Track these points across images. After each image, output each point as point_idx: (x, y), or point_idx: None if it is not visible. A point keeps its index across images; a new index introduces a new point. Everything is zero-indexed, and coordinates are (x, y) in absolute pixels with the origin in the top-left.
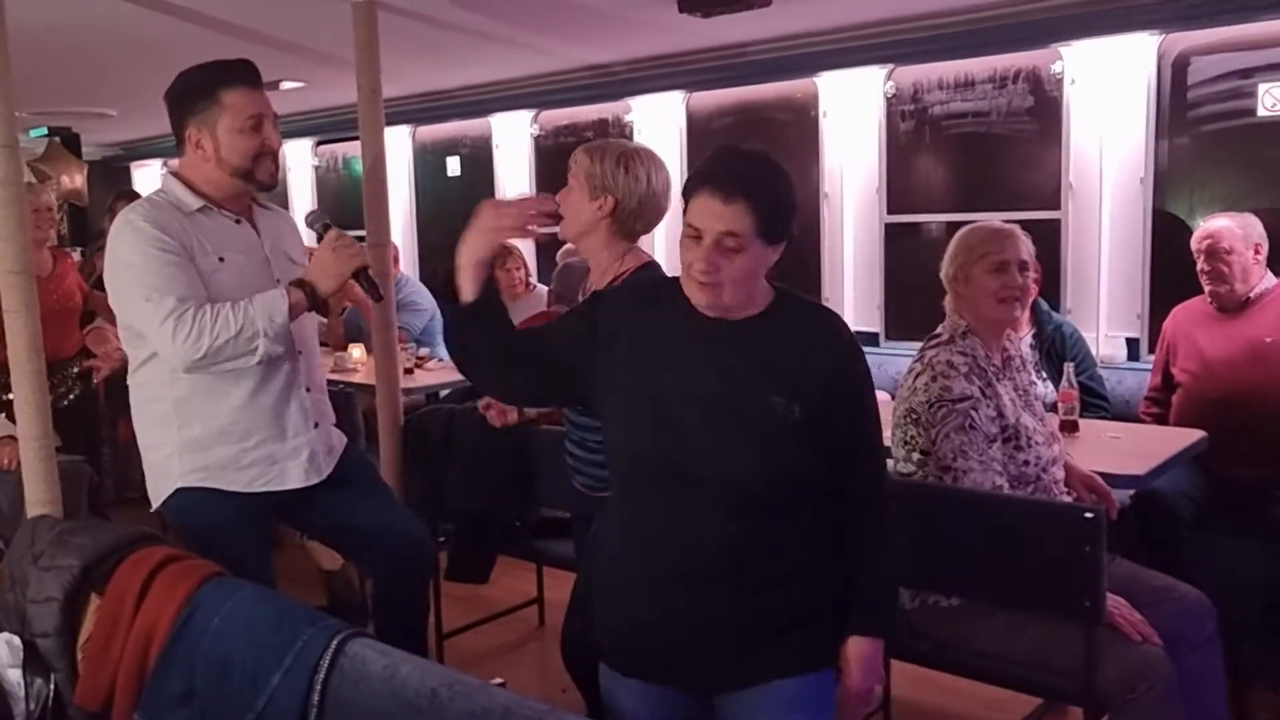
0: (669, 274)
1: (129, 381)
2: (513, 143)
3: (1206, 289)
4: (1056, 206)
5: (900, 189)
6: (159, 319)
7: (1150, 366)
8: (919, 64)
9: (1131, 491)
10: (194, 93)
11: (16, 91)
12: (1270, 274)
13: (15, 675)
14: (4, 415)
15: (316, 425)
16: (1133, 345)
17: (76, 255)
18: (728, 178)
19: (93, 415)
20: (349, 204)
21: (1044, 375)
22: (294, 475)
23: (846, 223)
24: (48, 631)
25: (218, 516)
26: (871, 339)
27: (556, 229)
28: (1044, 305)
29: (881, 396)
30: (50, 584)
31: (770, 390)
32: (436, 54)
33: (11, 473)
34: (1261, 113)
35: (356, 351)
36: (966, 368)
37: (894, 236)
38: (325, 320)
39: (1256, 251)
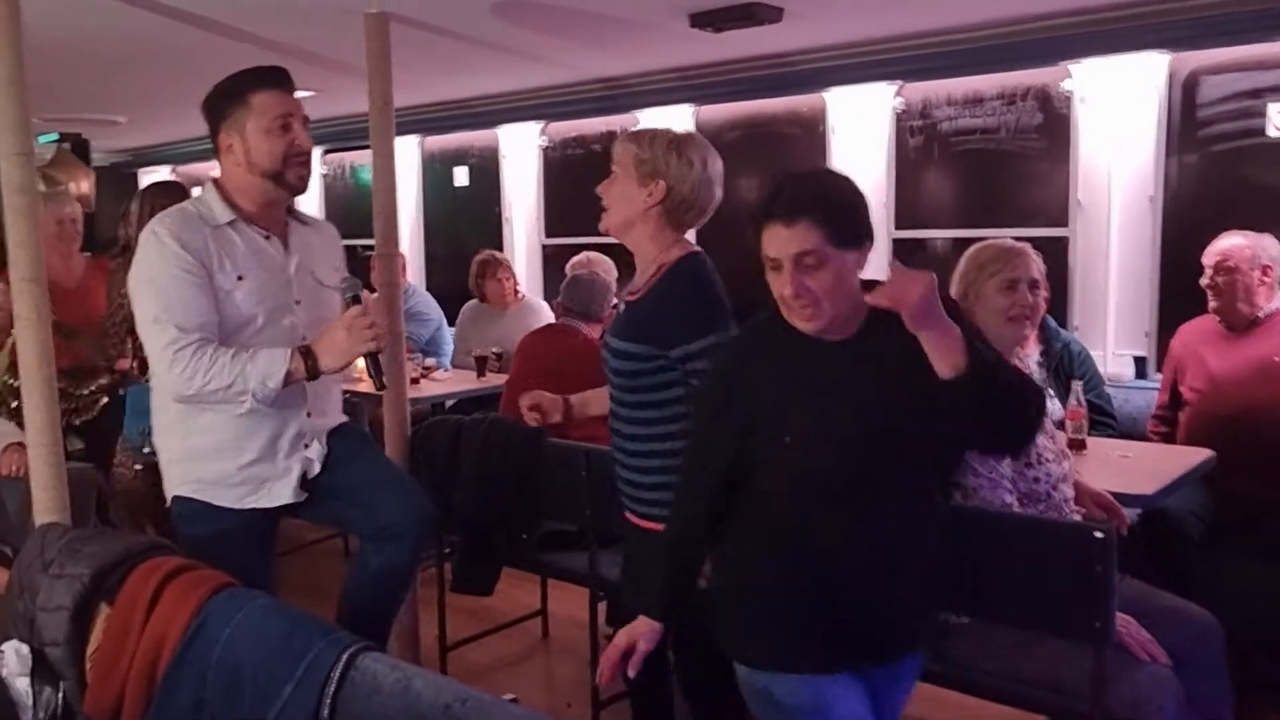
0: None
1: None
2: (520, 154)
3: (1210, 305)
4: (1064, 224)
5: (908, 204)
6: (161, 344)
7: (1158, 385)
8: (928, 80)
9: (1139, 510)
10: (224, 97)
11: (31, 98)
12: None
13: (24, 684)
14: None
15: (308, 445)
16: (1140, 363)
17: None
18: (784, 203)
19: (119, 424)
20: (356, 213)
21: (1051, 393)
22: (282, 494)
23: None
24: (57, 640)
25: (212, 528)
26: None
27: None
28: (1052, 323)
29: None
30: (60, 592)
31: (900, 395)
32: (446, 65)
33: (19, 480)
34: (1271, 132)
35: (362, 361)
36: None
37: (901, 252)
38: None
39: (1265, 273)
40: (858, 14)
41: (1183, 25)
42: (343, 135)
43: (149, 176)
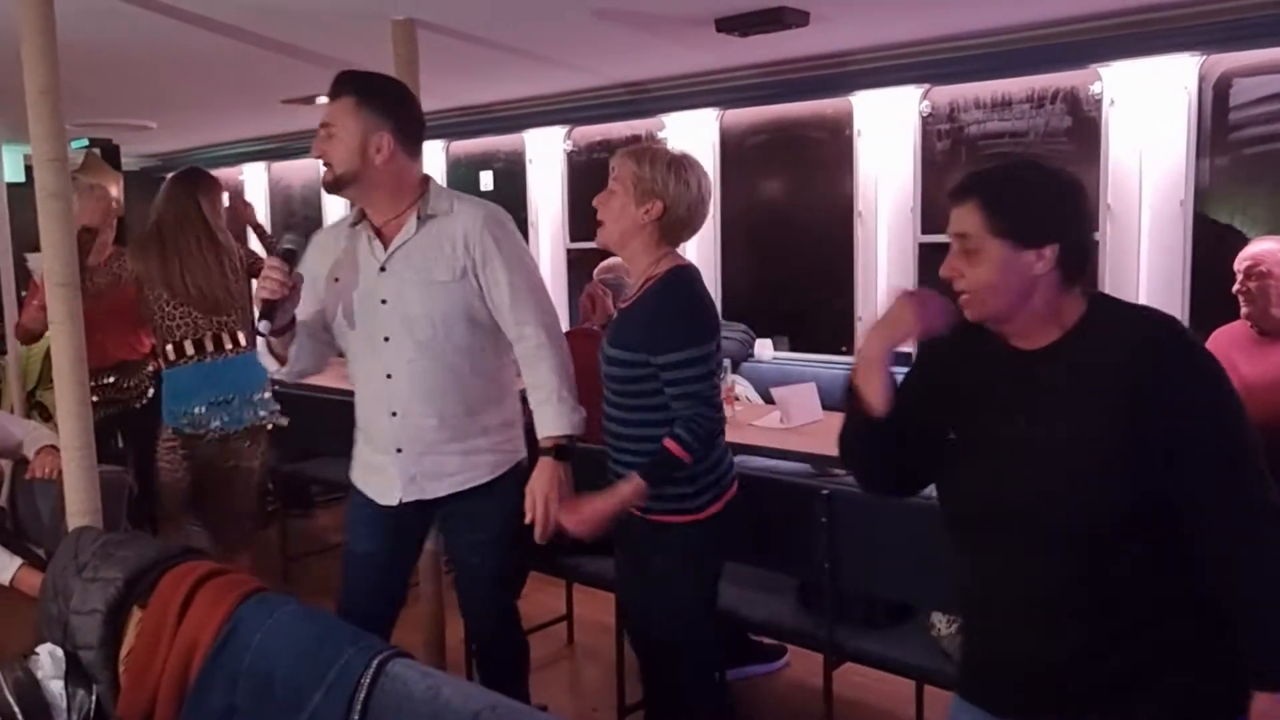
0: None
1: None
2: (546, 158)
3: (1242, 311)
4: (1094, 228)
5: (935, 208)
6: None
7: None
8: (955, 83)
9: None
10: None
11: (63, 104)
12: None
13: (58, 686)
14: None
15: (400, 450)
16: None
17: None
18: (960, 183)
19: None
20: None
21: None
22: (382, 490)
23: (880, 242)
24: (91, 643)
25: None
26: (905, 358)
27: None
28: None
29: None
30: (94, 596)
31: (1072, 420)
32: (471, 70)
33: (53, 482)
34: None
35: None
36: None
37: (927, 257)
38: None
39: None
40: (885, 17)
41: (1213, 27)
42: None
43: None
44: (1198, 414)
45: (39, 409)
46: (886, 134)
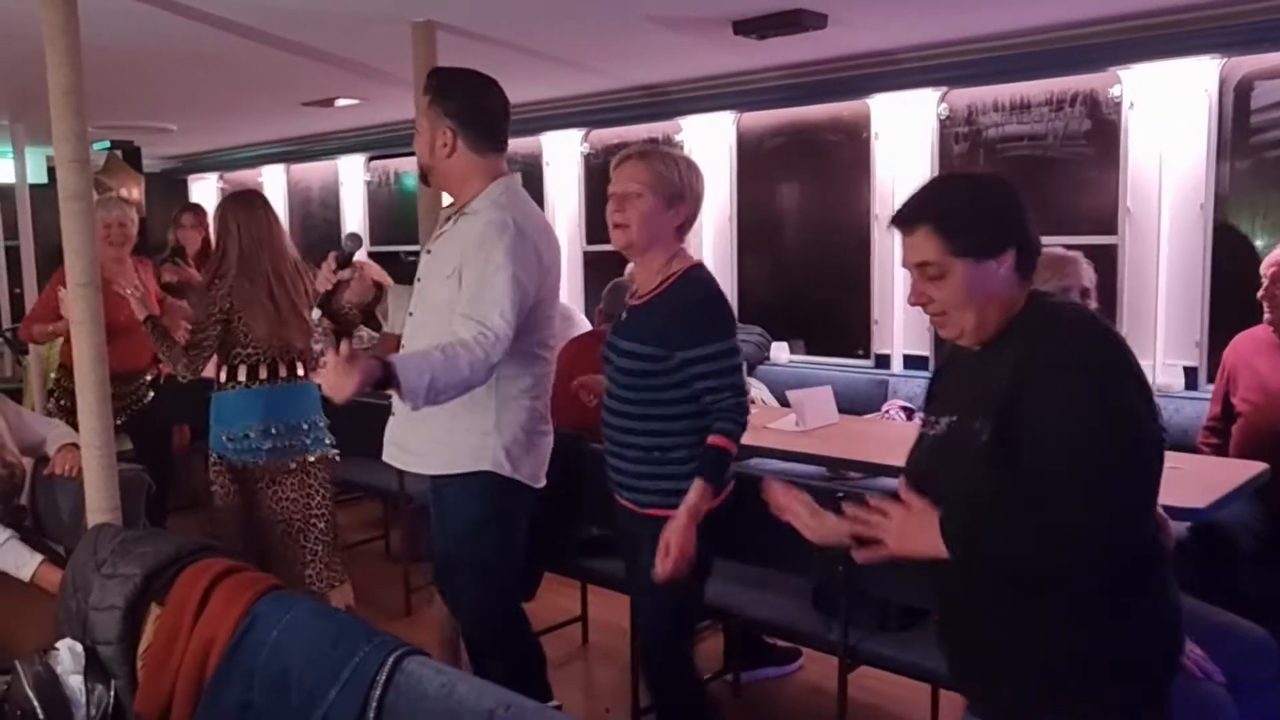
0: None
1: None
2: (563, 161)
3: (1265, 316)
4: (1113, 231)
5: None
6: None
7: (1209, 396)
8: (974, 86)
9: (1190, 524)
10: None
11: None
12: None
13: (77, 681)
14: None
15: (393, 415)
16: (1190, 374)
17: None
18: (904, 210)
19: (165, 422)
20: (399, 219)
21: None
22: None
23: (897, 245)
24: (109, 639)
25: None
26: (921, 362)
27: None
28: None
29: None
30: (112, 592)
31: (969, 414)
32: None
33: (73, 480)
34: None
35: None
36: None
37: None
38: (376, 335)
39: None
40: (903, 20)
41: (1235, 29)
42: (387, 142)
43: (198, 184)
44: (1039, 400)
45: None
46: (904, 137)
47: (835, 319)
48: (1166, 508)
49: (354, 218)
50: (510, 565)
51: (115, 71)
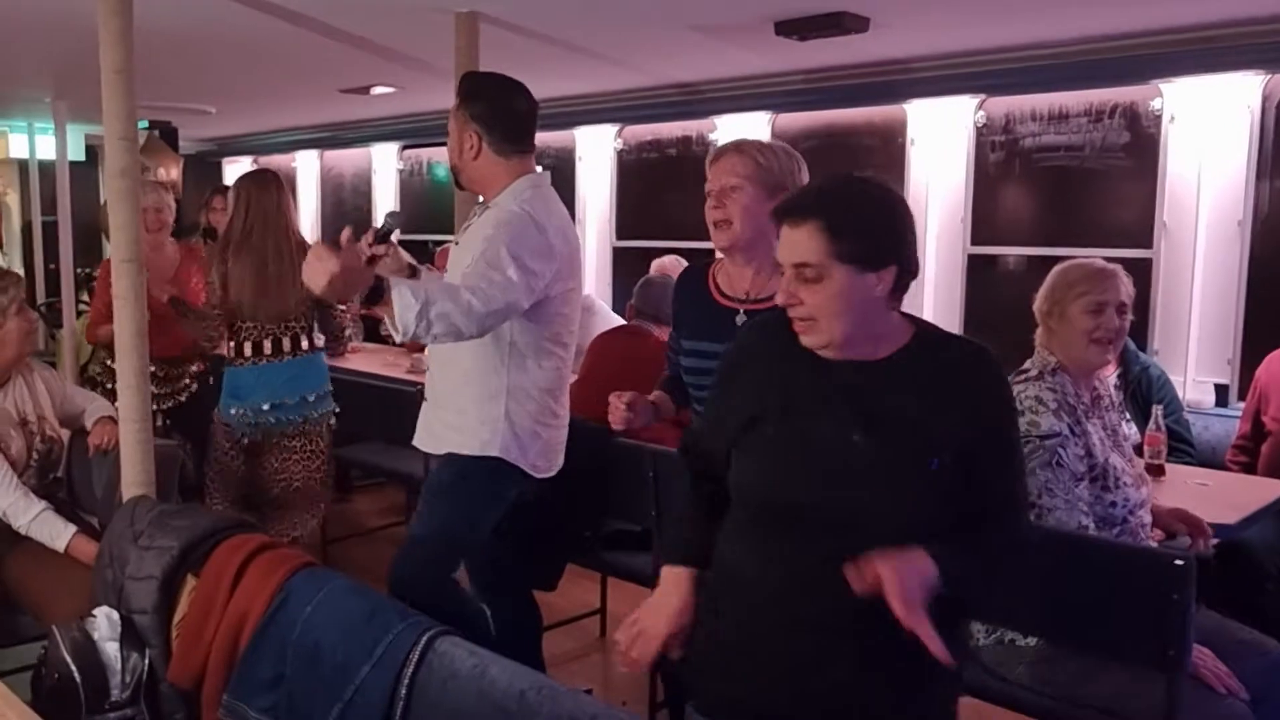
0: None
1: None
2: (596, 156)
3: None
4: (1148, 245)
5: (985, 220)
6: None
7: (1239, 413)
8: (1013, 95)
9: (1216, 540)
10: None
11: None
12: None
13: (113, 648)
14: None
15: (425, 400)
16: (1221, 391)
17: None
18: (795, 201)
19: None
20: (431, 208)
21: (1127, 417)
22: None
23: (929, 251)
24: (145, 609)
25: None
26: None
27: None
28: (1131, 345)
29: None
30: (150, 563)
31: (910, 439)
32: (527, 65)
33: (108, 455)
34: None
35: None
36: (1055, 404)
37: (976, 268)
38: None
39: None
40: (945, 26)
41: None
42: (421, 131)
43: (232, 166)
44: (1001, 438)
45: (90, 384)
46: (940, 144)
47: None
48: None
49: (385, 206)
50: (463, 543)
51: (162, 53)
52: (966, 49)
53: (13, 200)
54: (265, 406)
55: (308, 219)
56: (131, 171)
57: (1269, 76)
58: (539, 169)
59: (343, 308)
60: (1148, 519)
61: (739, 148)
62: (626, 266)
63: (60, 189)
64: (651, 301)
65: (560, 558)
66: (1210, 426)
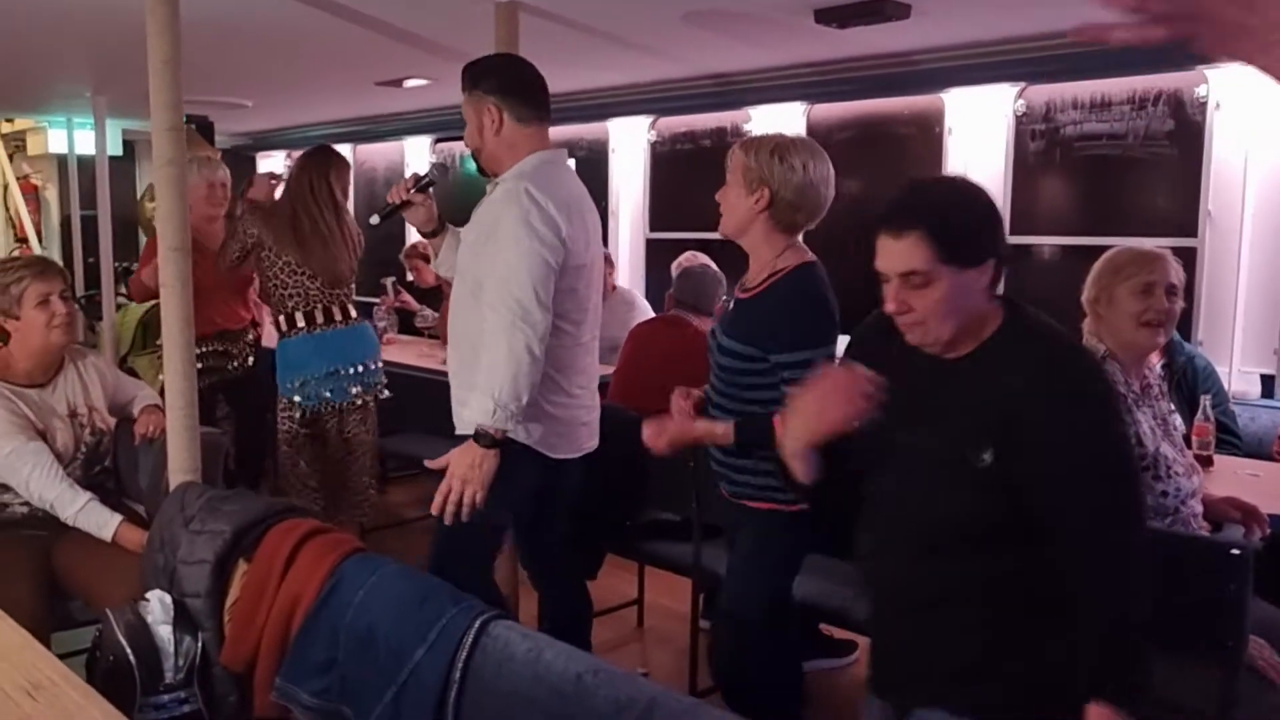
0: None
1: None
2: (629, 147)
3: None
4: (1193, 234)
5: (1025, 210)
6: None
7: None
8: (1053, 83)
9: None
10: None
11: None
12: None
13: (166, 631)
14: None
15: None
16: (1267, 382)
17: None
18: (895, 213)
19: (264, 394)
20: (461, 201)
21: (1172, 407)
22: None
23: None
24: (198, 592)
25: None
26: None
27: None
28: (1176, 336)
29: None
30: (202, 547)
31: (964, 434)
32: (563, 56)
33: (154, 443)
34: None
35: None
36: None
37: (1012, 258)
38: (436, 314)
39: None
40: (986, 13)
41: None
42: (456, 124)
43: (265, 161)
44: (1072, 456)
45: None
46: (978, 133)
47: None
48: None
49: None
50: (477, 528)
51: (202, 46)
52: (1007, 36)
53: (51, 194)
54: (324, 373)
55: None
56: (179, 160)
57: None
58: (564, 153)
59: (378, 301)
60: (1199, 509)
61: (740, 144)
62: (659, 258)
63: (100, 182)
64: (690, 291)
65: (600, 546)
66: (1257, 418)
